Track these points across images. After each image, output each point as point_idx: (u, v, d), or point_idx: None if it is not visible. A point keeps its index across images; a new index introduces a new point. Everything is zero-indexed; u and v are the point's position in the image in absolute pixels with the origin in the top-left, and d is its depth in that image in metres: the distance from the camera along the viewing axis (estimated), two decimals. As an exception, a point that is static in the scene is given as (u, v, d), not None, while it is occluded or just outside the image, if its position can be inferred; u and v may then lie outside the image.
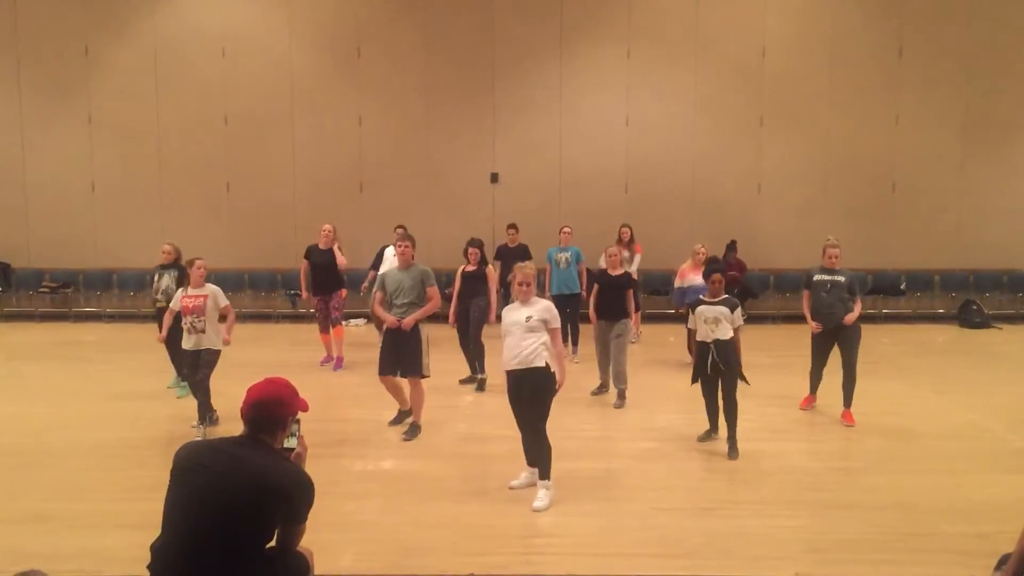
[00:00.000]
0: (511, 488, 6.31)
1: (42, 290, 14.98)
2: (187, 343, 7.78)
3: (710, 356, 7.24)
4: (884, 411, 8.46)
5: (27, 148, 14.97)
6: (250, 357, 10.98)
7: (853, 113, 14.68)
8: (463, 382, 9.76)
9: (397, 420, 8.00)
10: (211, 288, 7.84)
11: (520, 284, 6.17)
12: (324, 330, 10.72)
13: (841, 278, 8.23)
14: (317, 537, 3.99)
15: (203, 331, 7.69)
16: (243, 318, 14.66)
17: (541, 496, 6.00)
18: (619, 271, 9.01)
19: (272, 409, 3.40)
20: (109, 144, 14.92)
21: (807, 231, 14.61)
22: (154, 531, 3.29)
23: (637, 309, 12.73)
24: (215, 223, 14.94)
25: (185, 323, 7.73)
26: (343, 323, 10.84)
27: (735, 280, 12.86)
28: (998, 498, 6.26)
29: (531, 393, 6.01)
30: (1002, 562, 3.39)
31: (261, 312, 14.88)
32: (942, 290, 14.88)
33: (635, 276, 10.43)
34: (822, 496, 6.26)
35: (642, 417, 8.30)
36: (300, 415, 3.53)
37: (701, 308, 7.33)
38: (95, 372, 10.62)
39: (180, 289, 7.98)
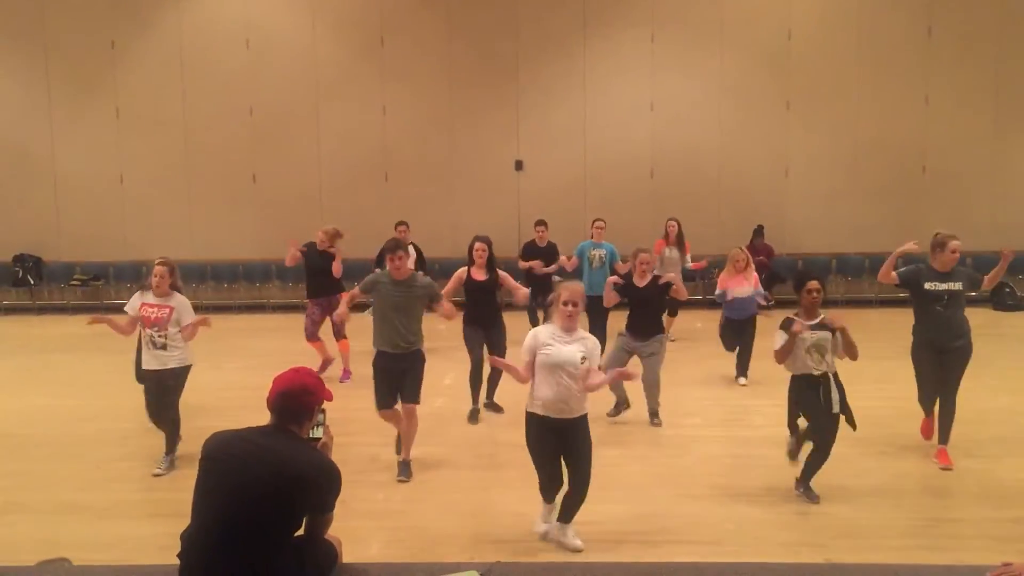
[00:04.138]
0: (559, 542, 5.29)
1: (73, 283, 15.15)
2: (148, 361, 6.69)
3: (822, 392, 5.75)
4: (916, 395, 8.35)
5: (56, 142, 15.11)
6: (276, 347, 11.06)
7: (882, 94, 14.46)
8: (487, 407, 8.37)
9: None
10: (179, 300, 6.69)
11: (566, 304, 5.03)
12: (314, 337, 9.73)
13: (959, 285, 6.57)
14: (346, 525, 4.00)
15: (164, 347, 6.60)
16: (270, 308, 14.76)
17: (574, 535, 5.25)
18: (647, 280, 7.79)
19: (299, 398, 3.40)
20: (136, 137, 15.02)
21: (836, 215, 14.49)
22: (184, 520, 3.31)
23: (673, 314, 11.38)
24: (241, 214, 15.01)
25: (144, 336, 6.68)
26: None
27: (763, 265, 12.74)
28: (1033, 483, 6.18)
29: (579, 446, 5.14)
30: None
31: (288, 302, 14.93)
32: (975, 272, 14.63)
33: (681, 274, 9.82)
34: (853, 482, 6.20)
35: (670, 403, 8.21)
36: (326, 405, 3.53)
37: (813, 335, 5.78)
38: (126, 364, 10.63)
39: (138, 292, 6.78)
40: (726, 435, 7.52)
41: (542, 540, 5.30)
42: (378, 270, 9.37)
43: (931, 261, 6.59)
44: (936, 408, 6.76)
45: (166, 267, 6.65)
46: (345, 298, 7.04)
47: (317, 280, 9.77)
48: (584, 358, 5.00)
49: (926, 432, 6.96)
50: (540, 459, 5.18)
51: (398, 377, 6.47)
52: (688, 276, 11.86)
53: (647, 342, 7.69)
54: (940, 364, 6.59)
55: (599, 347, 5.19)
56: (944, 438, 6.64)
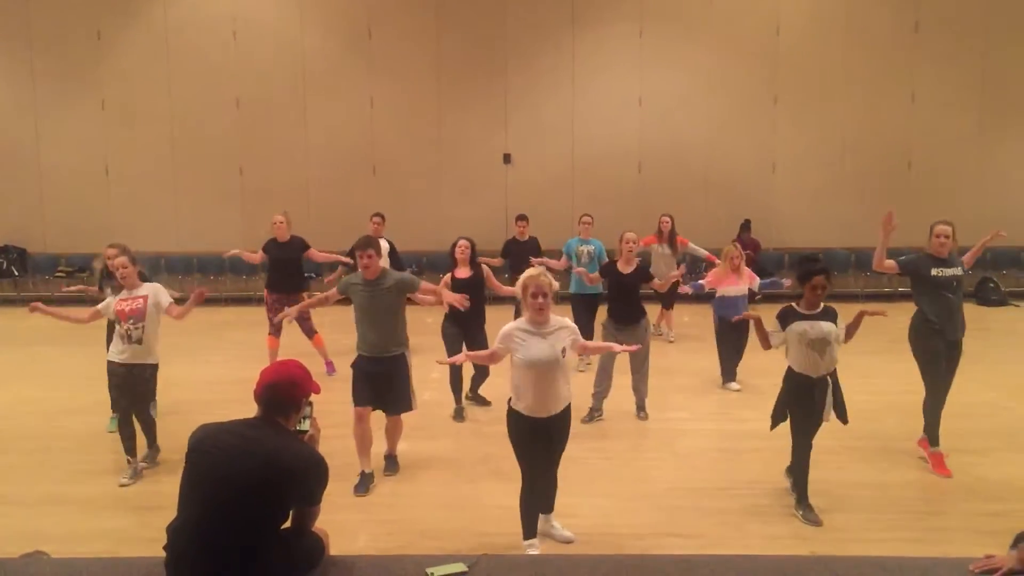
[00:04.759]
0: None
1: (58, 275, 15.04)
2: (118, 353, 6.40)
3: (816, 395, 5.49)
4: (901, 390, 8.40)
5: (41, 133, 15.00)
6: (263, 340, 10.99)
7: (869, 90, 14.52)
8: (471, 400, 8.36)
9: (362, 487, 6.13)
10: (150, 287, 6.51)
11: (535, 296, 4.77)
12: (276, 333, 9.37)
13: (959, 270, 6.43)
14: (332, 518, 4.00)
15: (139, 341, 6.33)
16: (256, 301, 14.70)
17: (561, 526, 5.31)
18: (632, 267, 7.78)
19: (286, 391, 3.40)
20: (122, 128, 14.93)
21: (822, 210, 14.55)
22: (170, 513, 3.31)
23: (670, 307, 11.33)
24: (229, 207, 14.95)
25: (120, 330, 6.38)
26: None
27: (750, 260, 12.74)
28: (1015, 477, 6.24)
29: (560, 437, 5.04)
30: (1018, 540, 3.37)
31: (275, 295, 14.91)
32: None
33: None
34: (837, 475, 6.24)
35: (656, 397, 8.22)
36: (312, 397, 3.53)
37: (799, 325, 5.49)
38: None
39: (111, 296, 6.63)
40: (712, 429, 7.55)
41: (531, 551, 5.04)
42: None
43: (929, 249, 6.45)
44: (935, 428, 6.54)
45: (125, 256, 6.42)
46: (308, 301, 6.76)
47: (278, 273, 9.49)
48: (564, 349, 4.82)
49: (941, 466, 6.37)
50: (526, 456, 4.99)
51: (378, 382, 6.19)
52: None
53: (632, 328, 7.56)
54: (946, 354, 6.46)
55: (576, 329, 4.98)
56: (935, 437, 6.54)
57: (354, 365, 6.30)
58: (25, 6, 14.69)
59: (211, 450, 3.27)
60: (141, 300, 6.37)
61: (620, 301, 7.74)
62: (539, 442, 4.94)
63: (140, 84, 14.85)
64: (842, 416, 5.61)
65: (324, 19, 14.81)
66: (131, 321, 6.31)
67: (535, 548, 5.01)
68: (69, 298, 8.66)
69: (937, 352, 6.41)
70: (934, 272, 6.34)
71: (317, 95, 14.89)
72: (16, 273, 15.03)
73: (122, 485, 6.27)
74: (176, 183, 15.05)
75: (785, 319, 5.59)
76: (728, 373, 8.88)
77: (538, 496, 5.12)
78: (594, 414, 7.73)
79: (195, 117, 14.91)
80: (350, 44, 14.82)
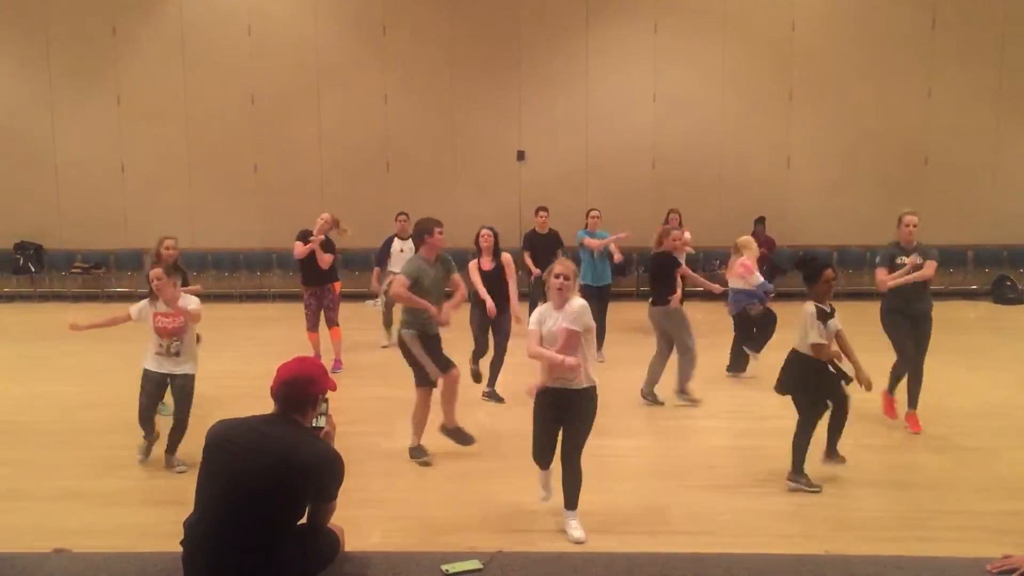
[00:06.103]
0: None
1: (74, 271, 15.15)
2: (152, 363, 6.53)
3: (832, 365, 5.93)
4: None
5: (57, 130, 15.09)
6: (277, 336, 11.08)
7: (884, 86, 14.44)
8: (487, 396, 8.51)
9: (464, 437, 6.78)
10: (187, 301, 6.52)
11: (558, 277, 5.13)
12: (313, 328, 9.58)
13: (917, 259, 7.05)
14: (347, 514, 4.01)
15: (178, 354, 6.48)
16: (271, 297, 14.79)
17: (576, 526, 5.32)
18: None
19: (303, 387, 3.41)
20: (138, 125, 15.00)
21: (837, 207, 14.48)
22: (187, 507, 3.33)
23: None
24: (243, 203, 15.01)
25: (160, 346, 6.48)
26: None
27: (764, 257, 12.71)
28: (1031, 475, 6.21)
29: (575, 416, 5.20)
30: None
31: (289, 291, 14.93)
32: (975, 265, 14.64)
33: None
34: (851, 474, 6.22)
35: (671, 394, 8.24)
36: (329, 394, 3.54)
37: (833, 324, 5.90)
38: (128, 351, 10.58)
39: (145, 302, 6.58)
40: (727, 426, 7.55)
41: (543, 502, 5.54)
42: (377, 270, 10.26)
43: (898, 238, 7.20)
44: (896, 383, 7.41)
45: (159, 268, 6.51)
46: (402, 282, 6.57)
47: (312, 268, 9.51)
48: (567, 329, 5.09)
49: (890, 410, 7.45)
50: (536, 427, 5.38)
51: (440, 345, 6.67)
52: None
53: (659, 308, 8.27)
54: (914, 328, 7.10)
55: (586, 310, 5.15)
56: (913, 403, 7.20)
57: (419, 340, 6.57)
58: (42, 3, 14.78)
59: (228, 446, 3.28)
60: (181, 318, 6.44)
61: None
62: (553, 413, 5.25)
63: (155, 80, 14.92)
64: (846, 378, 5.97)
65: (339, 15, 14.84)
66: (171, 339, 6.45)
67: (543, 491, 5.50)
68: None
69: (901, 327, 7.11)
70: (899, 260, 7.09)
71: (331, 91, 14.92)
72: (32, 269, 15.13)
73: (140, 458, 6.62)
74: (191, 179, 15.12)
75: (821, 318, 5.88)
76: (739, 365, 9.11)
77: (563, 489, 5.34)
78: (647, 397, 8.19)
79: (210, 113, 14.97)
80: (365, 40, 14.84)
